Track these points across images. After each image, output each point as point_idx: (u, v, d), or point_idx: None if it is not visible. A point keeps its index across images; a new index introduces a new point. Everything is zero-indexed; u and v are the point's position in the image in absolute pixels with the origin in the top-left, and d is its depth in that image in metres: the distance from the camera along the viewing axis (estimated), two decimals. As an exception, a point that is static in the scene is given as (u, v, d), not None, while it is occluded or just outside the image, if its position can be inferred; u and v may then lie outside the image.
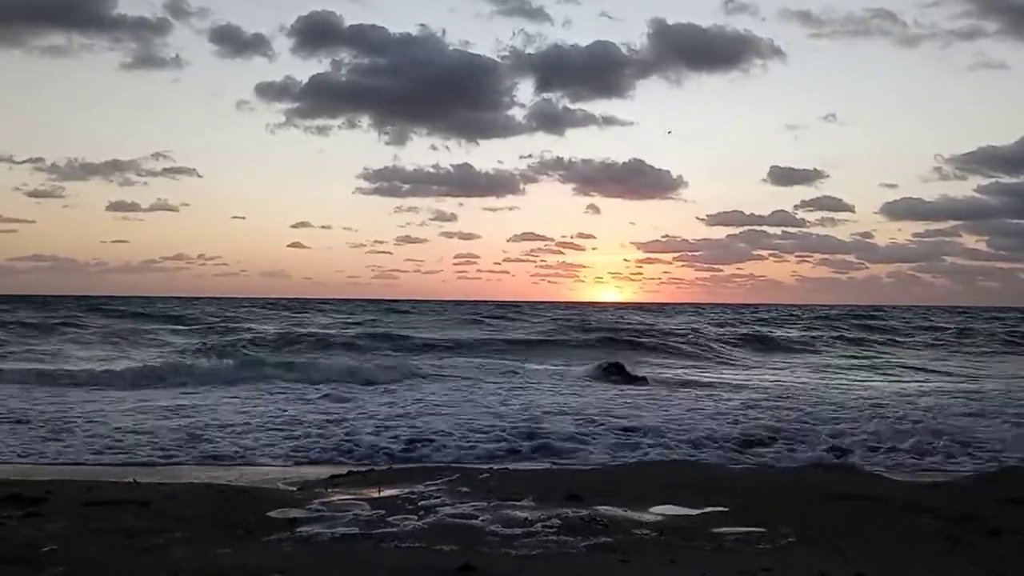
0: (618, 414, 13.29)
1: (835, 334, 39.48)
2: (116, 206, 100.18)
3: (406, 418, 12.85)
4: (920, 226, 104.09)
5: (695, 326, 42.93)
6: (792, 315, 65.05)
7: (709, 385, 19.26)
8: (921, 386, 19.74)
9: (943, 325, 50.22)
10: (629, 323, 45.67)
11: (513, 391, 16.95)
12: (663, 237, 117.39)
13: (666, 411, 13.96)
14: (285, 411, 13.65)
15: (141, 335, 31.35)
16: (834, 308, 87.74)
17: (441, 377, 19.62)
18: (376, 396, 15.91)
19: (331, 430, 11.68)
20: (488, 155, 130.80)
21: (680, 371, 23.17)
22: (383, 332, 33.24)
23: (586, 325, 40.64)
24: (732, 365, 26.73)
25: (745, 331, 38.78)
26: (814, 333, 39.80)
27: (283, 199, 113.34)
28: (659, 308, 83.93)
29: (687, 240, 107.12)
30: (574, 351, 28.21)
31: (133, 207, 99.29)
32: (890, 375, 23.27)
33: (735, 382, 20.19)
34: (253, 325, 38.81)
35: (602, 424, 12.17)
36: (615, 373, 20.19)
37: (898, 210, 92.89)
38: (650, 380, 19.76)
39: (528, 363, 23.35)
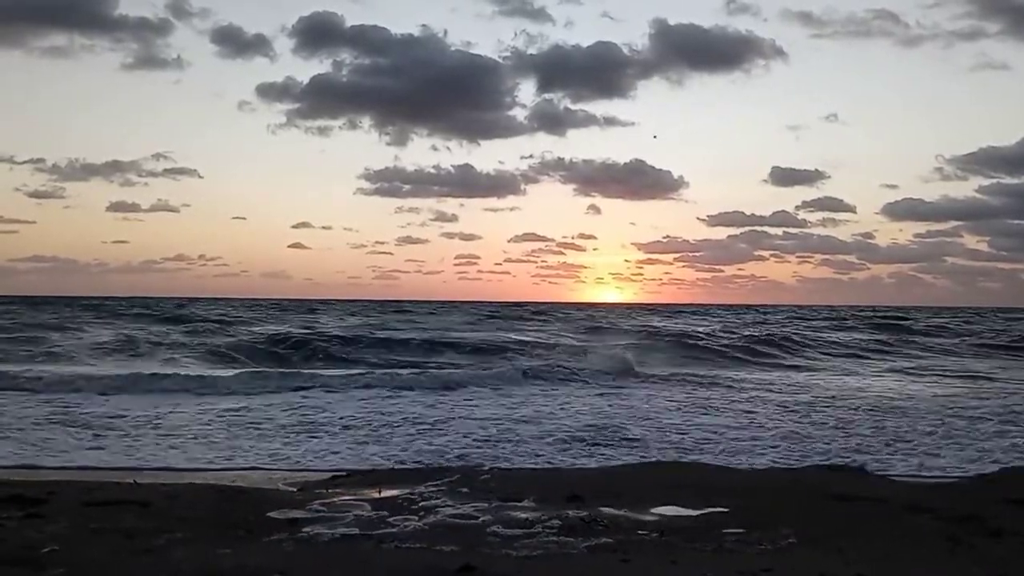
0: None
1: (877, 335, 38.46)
2: (117, 207, 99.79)
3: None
4: (921, 227, 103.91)
5: (731, 328, 41.97)
6: (800, 316, 64.32)
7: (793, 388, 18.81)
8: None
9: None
10: (673, 326, 43.49)
11: (613, 397, 16.42)
12: (664, 238, 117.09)
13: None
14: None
15: (214, 336, 30.28)
16: (855, 308, 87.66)
17: (561, 382, 18.89)
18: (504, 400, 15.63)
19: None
20: (489, 156, 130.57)
21: (742, 373, 22.61)
22: (441, 334, 32.34)
23: (625, 327, 39.23)
24: (797, 368, 25.72)
25: (804, 333, 37.45)
26: (854, 335, 38.67)
27: (284, 200, 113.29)
28: (684, 309, 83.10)
29: (688, 241, 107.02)
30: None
31: (134, 208, 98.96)
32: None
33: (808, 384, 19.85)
34: (317, 327, 36.84)
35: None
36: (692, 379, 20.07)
37: (899, 211, 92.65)
38: (723, 383, 19.36)
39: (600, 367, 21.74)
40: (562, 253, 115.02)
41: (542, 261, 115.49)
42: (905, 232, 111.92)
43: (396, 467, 9.19)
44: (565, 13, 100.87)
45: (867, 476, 8.35)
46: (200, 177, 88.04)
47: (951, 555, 5.33)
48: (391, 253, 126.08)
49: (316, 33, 72.92)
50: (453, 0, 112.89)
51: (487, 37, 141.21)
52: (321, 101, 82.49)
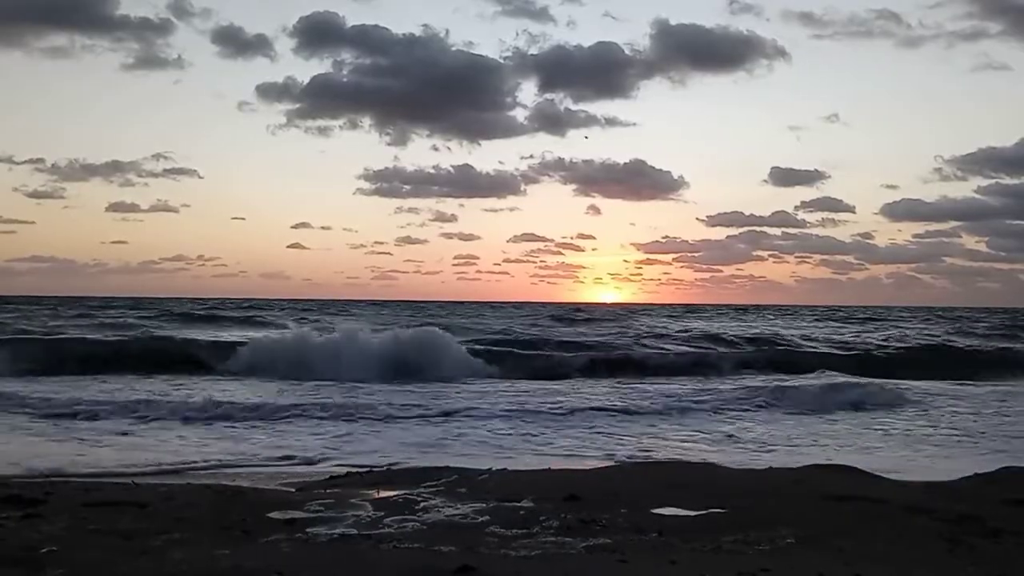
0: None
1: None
2: (116, 207, 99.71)
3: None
4: (920, 227, 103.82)
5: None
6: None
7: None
8: None
9: None
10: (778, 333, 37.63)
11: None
12: (663, 238, 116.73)
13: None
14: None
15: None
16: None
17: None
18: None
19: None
20: (489, 156, 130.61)
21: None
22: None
23: (742, 336, 33.95)
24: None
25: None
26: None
27: (283, 200, 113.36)
28: (737, 311, 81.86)
29: (687, 241, 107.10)
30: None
31: (133, 208, 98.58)
32: None
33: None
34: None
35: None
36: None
37: (898, 211, 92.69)
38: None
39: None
40: (561, 253, 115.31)
41: (541, 261, 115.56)
42: (904, 232, 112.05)
43: (393, 467, 9.18)
44: (567, 13, 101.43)
45: (866, 476, 8.34)
46: (200, 177, 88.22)
47: (950, 555, 5.33)
48: (390, 253, 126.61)
49: (317, 33, 73.01)
50: (455, 0, 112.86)
51: (489, 37, 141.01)
52: (321, 101, 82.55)
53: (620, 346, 27.48)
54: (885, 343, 32.16)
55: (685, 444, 11.50)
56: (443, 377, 19.87)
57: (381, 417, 13.22)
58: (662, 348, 27.59)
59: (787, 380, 19.36)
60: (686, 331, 36.15)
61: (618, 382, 19.81)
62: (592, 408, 14.42)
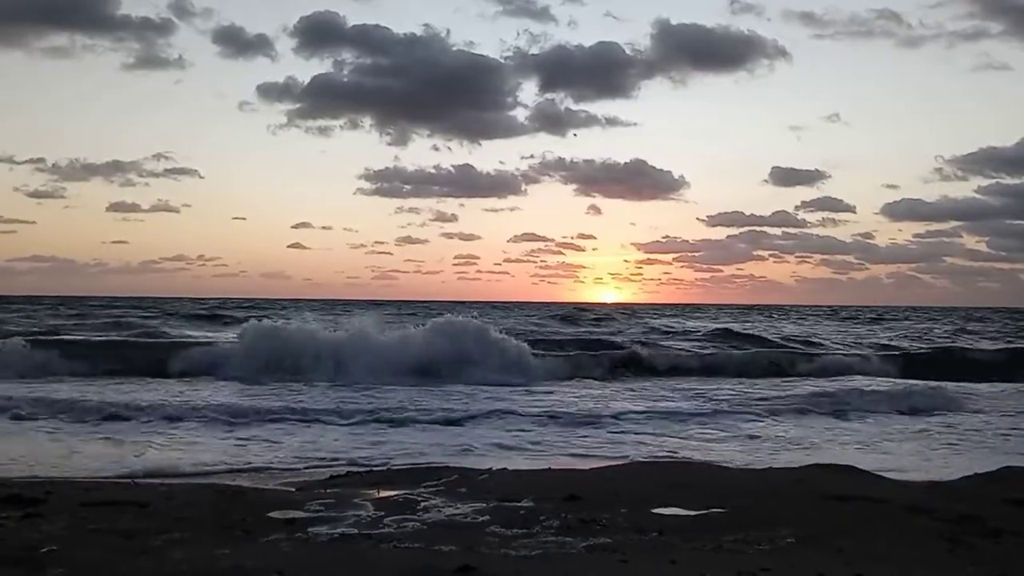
0: None
1: None
2: (117, 207, 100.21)
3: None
4: (920, 227, 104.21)
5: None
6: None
7: None
8: None
9: None
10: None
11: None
12: (663, 238, 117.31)
13: None
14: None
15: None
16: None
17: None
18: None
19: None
20: (490, 156, 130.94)
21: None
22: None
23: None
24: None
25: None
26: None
27: (284, 200, 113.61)
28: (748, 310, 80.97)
29: (687, 241, 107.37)
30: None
31: (134, 208, 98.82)
32: None
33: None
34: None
35: None
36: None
37: (899, 211, 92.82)
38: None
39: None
40: (561, 253, 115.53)
41: (541, 261, 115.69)
42: (904, 232, 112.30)
43: (394, 467, 9.18)
44: (568, 13, 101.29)
45: (866, 476, 8.33)
46: (200, 177, 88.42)
47: (950, 555, 5.33)
48: (390, 253, 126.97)
49: (317, 33, 73.12)
50: (456, 0, 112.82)
51: (490, 37, 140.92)
52: (322, 101, 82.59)
53: (640, 345, 26.71)
54: (897, 343, 32.10)
55: (710, 444, 11.43)
56: (466, 379, 19.02)
57: (403, 419, 13.06)
58: (685, 348, 27.11)
59: (814, 381, 19.25)
60: (701, 330, 35.78)
61: (645, 382, 19.66)
62: (619, 410, 14.19)
